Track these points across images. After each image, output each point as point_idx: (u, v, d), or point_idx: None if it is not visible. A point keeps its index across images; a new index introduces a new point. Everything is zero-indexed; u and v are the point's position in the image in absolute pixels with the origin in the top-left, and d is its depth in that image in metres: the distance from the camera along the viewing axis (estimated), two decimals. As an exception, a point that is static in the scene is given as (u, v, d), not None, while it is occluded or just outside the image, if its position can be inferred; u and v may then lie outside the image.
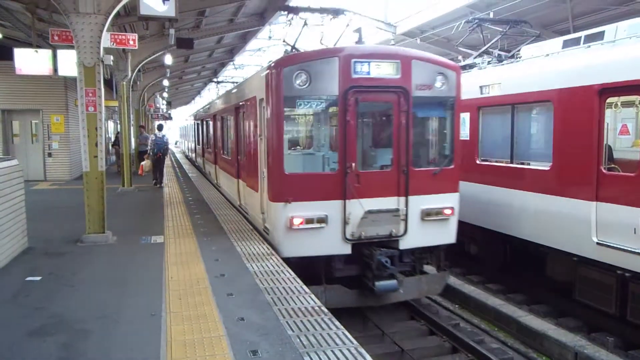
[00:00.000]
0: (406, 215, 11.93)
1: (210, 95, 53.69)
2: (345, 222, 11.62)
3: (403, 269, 12.33)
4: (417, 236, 12.07)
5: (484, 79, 14.23)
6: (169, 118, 61.32)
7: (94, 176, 11.74)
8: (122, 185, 21.56)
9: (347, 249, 11.70)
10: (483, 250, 15.05)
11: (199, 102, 67.52)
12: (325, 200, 11.49)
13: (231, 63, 37.99)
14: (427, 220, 12.05)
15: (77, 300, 8.83)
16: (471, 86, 14.08)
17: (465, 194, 13.74)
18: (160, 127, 24.51)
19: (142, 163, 24.10)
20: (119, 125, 26.31)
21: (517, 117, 13.50)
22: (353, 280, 12.00)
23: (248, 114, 13.92)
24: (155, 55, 22.97)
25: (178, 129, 70.28)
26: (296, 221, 11.46)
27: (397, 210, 11.80)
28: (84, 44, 11.49)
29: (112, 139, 34.99)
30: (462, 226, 13.13)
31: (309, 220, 11.44)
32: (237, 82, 23.92)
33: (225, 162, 18.40)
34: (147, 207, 17.27)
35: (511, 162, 13.65)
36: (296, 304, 8.64)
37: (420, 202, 11.99)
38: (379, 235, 11.84)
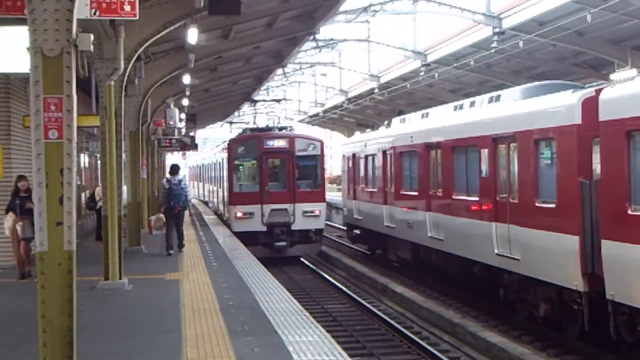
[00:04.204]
0: (294, 213, 30.28)
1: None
2: (262, 215, 30.16)
3: (295, 240, 30.55)
4: (301, 223, 30.34)
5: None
6: (192, 146, 50.33)
7: (55, 261, 9.20)
8: (105, 278, 16.84)
9: (264, 228, 30.16)
10: None
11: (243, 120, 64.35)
12: (253, 205, 30.35)
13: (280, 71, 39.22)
14: (306, 216, 30.38)
15: None
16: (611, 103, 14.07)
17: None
18: (175, 169, 23.90)
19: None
20: (99, 161, 21.24)
21: None
22: (269, 245, 30.17)
23: (225, 164, 33.60)
24: (168, 30, 18.19)
25: (190, 167, 68.25)
26: (239, 214, 30.56)
27: (286, 209, 30.19)
28: (44, 16, 9.20)
29: (88, 193, 28.80)
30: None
31: (245, 214, 30.42)
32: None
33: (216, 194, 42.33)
34: (151, 319, 13.73)
35: None
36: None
37: (302, 207, 30.29)
38: (280, 222, 30.15)
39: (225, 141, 38.76)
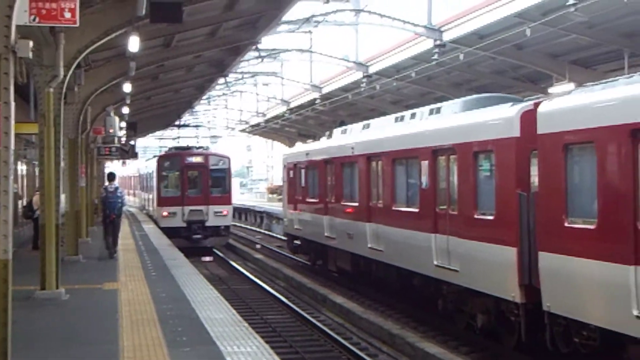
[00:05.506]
0: (207, 213, 39.75)
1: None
2: (183, 214, 39.67)
3: (208, 234, 39.86)
4: (213, 221, 40.01)
5: None
6: (131, 154, 49.89)
7: (-9, 270, 8.97)
8: (41, 287, 16.43)
9: (184, 225, 39.58)
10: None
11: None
12: (176, 206, 40.02)
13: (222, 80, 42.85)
14: (217, 215, 40.09)
15: None
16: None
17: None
18: (111, 177, 25.11)
19: None
20: (36, 169, 21.46)
21: None
22: (188, 238, 38.78)
23: (155, 175, 42.43)
24: (108, 38, 18.10)
25: (122, 177, 68.28)
26: (165, 213, 40.17)
27: (202, 210, 39.69)
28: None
29: (25, 202, 29.15)
30: None
31: (169, 213, 39.97)
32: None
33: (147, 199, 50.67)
34: (88, 329, 13.30)
35: None
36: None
37: (213, 208, 40.01)
38: (196, 220, 39.61)
39: (155, 156, 49.85)
